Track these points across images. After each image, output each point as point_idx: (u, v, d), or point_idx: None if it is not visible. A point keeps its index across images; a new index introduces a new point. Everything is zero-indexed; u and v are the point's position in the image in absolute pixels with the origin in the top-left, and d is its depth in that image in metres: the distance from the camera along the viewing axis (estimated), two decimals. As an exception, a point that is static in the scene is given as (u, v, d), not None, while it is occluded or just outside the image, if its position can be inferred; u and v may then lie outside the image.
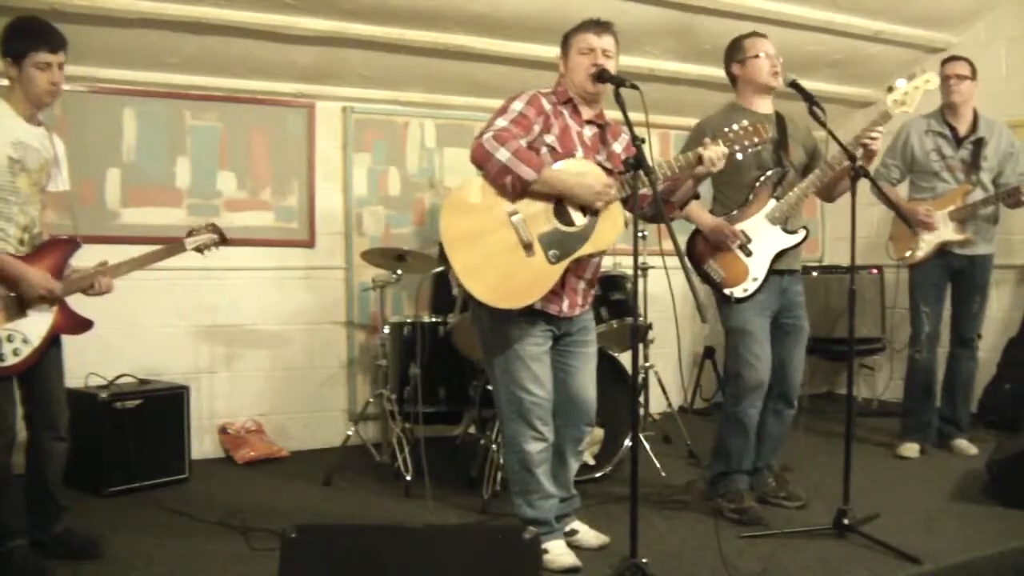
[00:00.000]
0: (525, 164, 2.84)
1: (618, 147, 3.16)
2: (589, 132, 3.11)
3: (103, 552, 3.08)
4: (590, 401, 3.17)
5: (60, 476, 3.14)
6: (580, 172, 2.94)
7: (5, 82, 3.00)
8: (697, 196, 3.29)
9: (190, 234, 3.37)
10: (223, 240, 3.43)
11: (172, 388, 4.30)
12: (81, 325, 3.11)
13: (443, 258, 3.10)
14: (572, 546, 3.14)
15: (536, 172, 2.85)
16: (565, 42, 3.13)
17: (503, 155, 2.83)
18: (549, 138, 2.99)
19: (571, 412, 3.13)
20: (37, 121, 3.04)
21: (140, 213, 4.59)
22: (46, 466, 3.08)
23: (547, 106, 3.02)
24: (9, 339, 2.88)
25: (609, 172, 3.04)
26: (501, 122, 2.92)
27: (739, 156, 3.03)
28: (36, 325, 2.96)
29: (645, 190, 2.85)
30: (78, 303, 3.11)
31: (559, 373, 3.11)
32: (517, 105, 2.97)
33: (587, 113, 3.11)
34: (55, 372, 3.09)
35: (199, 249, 3.38)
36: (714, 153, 2.94)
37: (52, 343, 3.03)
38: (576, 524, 3.25)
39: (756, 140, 3.01)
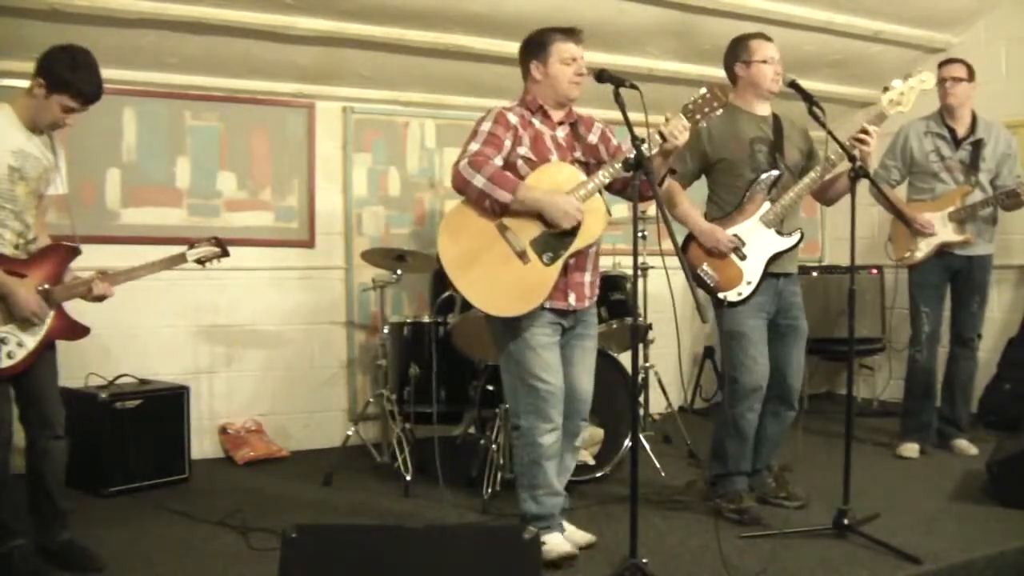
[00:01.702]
0: (500, 188, 2.94)
1: (593, 138, 3.24)
2: (562, 133, 3.19)
3: (103, 568, 3.05)
4: (586, 394, 3.23)
5: (61, 477, 3.12)
6: (553, 186, 3.01)
7: (11, 82, 2.98)
8: (673, 171, 3.32)
9: (192, 246, 3.36)
10: (224, 253, 3.42)
11: (172, 388, 4.30)
12: (77, 331, 3.10)
13: (440, 277, 3.12)
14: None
15: (511, 194, 2.94)
16: (540, 50, 3.14)
17: (479, 181, 2.94)
18: (522, 150, 3.08)
19: (567, 405, 3.15)
20: (39, 130, 3.02)
21: (140, 213, 4.58)
22: (44, 466, 3.06)
23: (514, 120, 3.10)
24: (3, 342, 2.88)
25: (585, 165, 3.15)
26: (474, 146, 3.03)
27: (703, 123, 3.09)
28: (32, 329, 2.95)
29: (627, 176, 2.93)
30: (77, 306, 3.10)
31: None
32: (485, 126, 3.07)
33: (557, 115, 3.18)
34: (49, 373, 3.08)
35: (200, 261, 3.38)
36: (673, 127, 3.00)
37: (47, 346, 3.02)
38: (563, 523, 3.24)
39: (716, 104, 3.05)
